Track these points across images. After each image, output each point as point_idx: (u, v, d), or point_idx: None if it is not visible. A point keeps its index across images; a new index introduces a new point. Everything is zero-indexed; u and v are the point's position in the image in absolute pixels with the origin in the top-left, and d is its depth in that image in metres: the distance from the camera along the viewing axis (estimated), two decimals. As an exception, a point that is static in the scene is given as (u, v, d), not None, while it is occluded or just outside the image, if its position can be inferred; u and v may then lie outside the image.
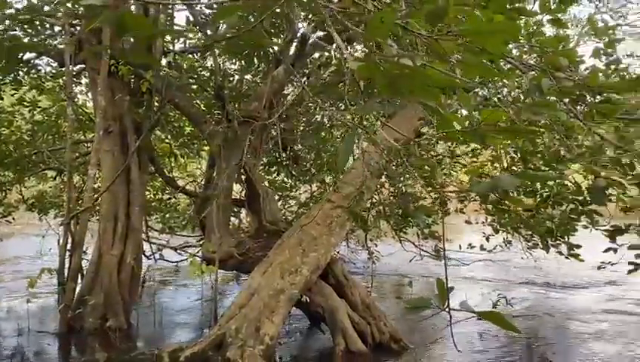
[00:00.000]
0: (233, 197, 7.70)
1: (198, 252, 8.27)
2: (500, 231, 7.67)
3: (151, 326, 6.99)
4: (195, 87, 8.34)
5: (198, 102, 8.36)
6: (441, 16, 1.38)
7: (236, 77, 8.06)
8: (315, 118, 8.43)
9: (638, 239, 5.01)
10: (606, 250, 4.83)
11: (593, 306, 8.52)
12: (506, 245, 8.21)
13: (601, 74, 3.87)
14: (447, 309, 1.45)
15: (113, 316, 6.63)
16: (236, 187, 8.10)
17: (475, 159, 9.41)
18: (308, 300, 5.75)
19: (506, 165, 7.51)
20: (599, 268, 5.31)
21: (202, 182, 8.68)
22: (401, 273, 10.39)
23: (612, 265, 4.92)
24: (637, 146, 4.97)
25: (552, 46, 3.17)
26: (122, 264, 6.91)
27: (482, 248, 8.56)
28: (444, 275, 1.57)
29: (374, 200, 8.25)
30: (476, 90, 5.64)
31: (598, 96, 3.43)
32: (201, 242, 8.19)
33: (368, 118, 9.90)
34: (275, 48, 7.25)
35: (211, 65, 8.05)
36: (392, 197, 8.24)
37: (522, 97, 4.47)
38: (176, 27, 7.76)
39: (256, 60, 8.13)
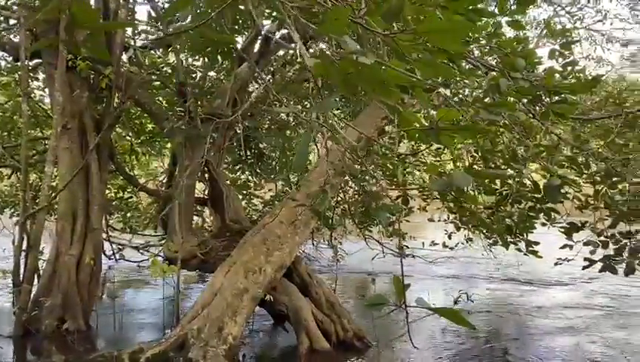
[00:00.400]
0: (196, 196, 7.60)
1: (160, 252, 8.14)
2: (462, 229, 7.81)
3: (111, 328, 6.82)
4: (156, 83, 8.18)
5: (159, 98, 8.21)
6: (396, 14, 1.38)
7: (199, 74, 7.94)
8: (279, 116, 8.39)
9: (593, 236, 5.19)
10: (562, 247, 4.98)
11: (553, 301, 8.77)
12: (467, 242, 8.35)
13: (558, 75, 3.98)
14: (404, 306, 1.46)
15: (71, 318, 6.44)
16: (199, 186, 8.00)
17: (438, 158, 9.57)
18: (272, 299, 5.72)
19: (467, 164, 7.67)
20: (556, 264, 5.46)
21: (164, 181, 8.53)
22: (366, 271, 10.45)
23: (568, 261, 5.06)
24: (592, 146, 5.14)
25: (510, 47, 3.24)
26: (81, 264, 6.72)
27: (445, 245, 8.72)
28: (401, 273, 1.58)
29: (339, 199, 8.29)
30: (439, 90, 5.72)
31: (556, 97, 3.53)
32: (163, 242, 8.05)
33: (333, 117, 9.94)
34: (239, 45, 7.18)
35: (174, 62, 7.91)
36: (356, 196, 8.27)
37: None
38: (136, 22, 7.61)
39: (220, 57, 8.04)
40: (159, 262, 6.09)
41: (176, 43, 6.94)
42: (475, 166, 7.36)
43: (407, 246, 8.79)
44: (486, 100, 3.12)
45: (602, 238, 5.01)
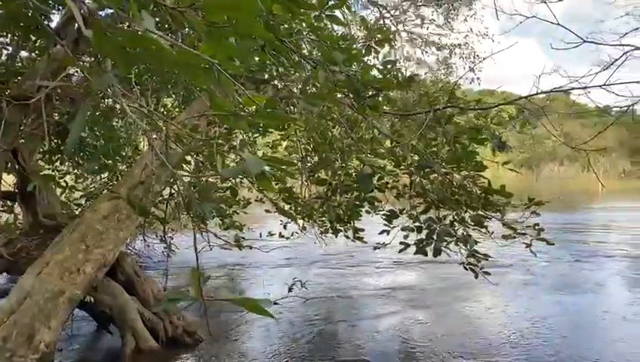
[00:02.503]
0: (3, 189, 6.70)
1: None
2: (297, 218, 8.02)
3: None
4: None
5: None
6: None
7: (5, 52, 6.99)
8: (104, 103, 7.75)
9: (409, 221, 5.66)
10: (381, 232, 5.35)
11: (382, 285, 9.43)
12: (301, 231, 8.58)
13: (378, 72, 4.23)
14: (201, 299, 1.39)
15: None
16: (9, 178, 7.08)
17: (274, 150, 9.69)
18: (92, 300, 5.28)
19: (301, 156, 7.87)
20: (375, 248, 5.84)
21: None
22: (202, 264, 10.22)
23: (386, 245, 5.44)
24: (410, 140, 5.56)
25: (330, 41, 3.33)
26: None
27: (281, 235, 8.88)
28: (197, 265, 1.50)
29: (174, 191, 7.95)
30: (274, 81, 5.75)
31: (370, 92, 3.73)
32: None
33: (167, 105, 9.50)
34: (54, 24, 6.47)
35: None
36: (192, 188, 8.00)
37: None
38: None
39: (33, 36, 7.16)
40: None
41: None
42: (309, 157, 7.59)
43: (243, 238, 8.76)
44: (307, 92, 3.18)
45: (417, 224, 5.49)
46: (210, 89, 1.61)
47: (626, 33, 10.69)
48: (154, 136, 4.86)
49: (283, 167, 1.42)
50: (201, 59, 1.32)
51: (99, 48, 1.22)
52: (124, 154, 7.34)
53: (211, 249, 7.94)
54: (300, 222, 8.33)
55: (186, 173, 4.18)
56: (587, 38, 10.18)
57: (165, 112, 9.00)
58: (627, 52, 9.65)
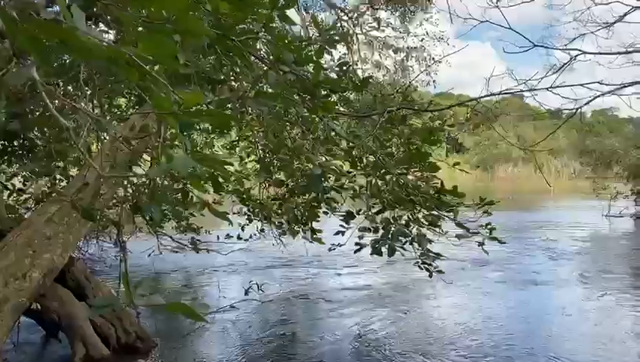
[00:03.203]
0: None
1: None
2: (254, 220, 7.96)
3: None
4: None
5: None
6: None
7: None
8: (54, 103, 7.49)
9: (367, 222, 5.69)
10: (336, 233, 5.36)
11: (340, 285, 9.46)
12: (259, 233, 8.52)
13: (334, 74, 4.23)
14: (132, 305, 1.35)
15: None
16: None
17: (232, 152, 9.59)
18: (39, 307, 5.09)
19: (259, 157, 7.81)
20: (330, 249, 5.84)
21: None
22: (157, 269, 10.02)
23: (341, 246, 5.45)
24: (365, 141, 5.59)
25: (281, 41, 3.31)
26: None
27: (239, 237, 8.77)
28: (125, 271, 1.46)
29: (127, 194, 7.74)
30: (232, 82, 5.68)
31: (324, 93, 3.73)
32: None
33: (121, 106, 9.27)
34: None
35: None
36: (145, 190, 7.83)
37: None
38: None
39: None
40: None
41: None
42: (267, 159, 7.54)
43: (199, 241, 8.64)
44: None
45: (374, 224, 5.53)
46: (149, 87, 1.57)
47: (575, 38, 11.12)
48: (104, 136, 4.74)
49: (217, 166, 1.39)
50: (121, 54, 1.27)
51: (12, 39, 1.17)
52: (75, 155, 7.10)
53: (161, 253, 7.82)
54: (259, 224, 8.28)
55: (116, 175, 4.06)
56: (538, 43, 10.51)
57: (119, 112, 8.80)
58: (574, 56, 10.05)
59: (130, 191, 7.87)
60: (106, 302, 1.36)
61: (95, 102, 6.65)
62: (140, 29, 1.45)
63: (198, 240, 8.68)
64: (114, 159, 4.17)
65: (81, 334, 5.22)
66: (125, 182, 6.56)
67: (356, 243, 5.25)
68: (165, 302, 1.38)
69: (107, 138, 4.92)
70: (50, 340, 5.93)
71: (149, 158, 5.35)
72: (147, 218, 8.06)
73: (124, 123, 5.92)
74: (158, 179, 4.64)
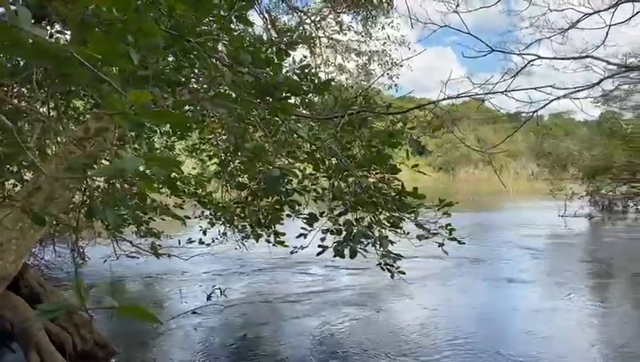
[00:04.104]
0: None
1: None
2: (216, 224, 7.89)
3: None
4: None
5: None
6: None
7: None
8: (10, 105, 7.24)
9: (330, 224, 5.71)
10: (299, 236, 5.36)
11: (302, 289, 9.44)
12: (222, 237, 8.43)
13: (296, 76, 4.24)
14: (84, 308, 1.31)
15: None
16: None
17: (193, 154, 9.46)
18: (-10, 316, 4.91)
19: (221, 159, 7.74)
20: (292, 252, 5.84)
21: None
22: (117, 275, 9.79)
23: (303, 248, 5.46)
24: (327, 143, 5.61)
25: (239, 43, 3.30)
26: None
27: (201, 242, 8.65)
28: (76, 275, 1.43)
29: (85, 198, 7.55)
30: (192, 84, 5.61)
31: (289, 96, 3.74)
32: None
33: (78, 108, 9.02)
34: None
35: None
36: (99, 194, 7.64)
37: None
38: None
39: None
40: None
41: None
42: (231, 162, 7.47)
43: (160, 246, 8.48)
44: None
45: (336, 226, 5.55)
46: (98, 87, 1.54)
47: (531, 44, 11.46)
48: (58, 139, 4.61)
49: (167, 166, 1.38)
50: (65, 53, 1.25)
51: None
52: (29, 159, 6.86)
53: (118, 258, 7.64)
54: (221, 227, 8.20)
55: (69, 176, 3.96)
56: (496, 47, 10.78)
57: (76, 115, 8.57)
58: (530, 61, 10.36)
59: (87, 195, 7.70)
60: (54, 306, 1.32)
61: (52, 104, 6.48)
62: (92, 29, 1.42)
63: (159, 245, 8.52)
64: (68, 162, 4.05)
65: (36, 342, 5.05)
66: (83, 187, 6.41)
67: (319, 246, 5.27)
68: (117, 305, 1.35)
69: (62, 141, 4.79)
70: (3, 350, 5.72)
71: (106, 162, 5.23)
72: (105, 223, 7.90)
73: (80, 125, 5.77)
74: (114, 182, 4.55)
